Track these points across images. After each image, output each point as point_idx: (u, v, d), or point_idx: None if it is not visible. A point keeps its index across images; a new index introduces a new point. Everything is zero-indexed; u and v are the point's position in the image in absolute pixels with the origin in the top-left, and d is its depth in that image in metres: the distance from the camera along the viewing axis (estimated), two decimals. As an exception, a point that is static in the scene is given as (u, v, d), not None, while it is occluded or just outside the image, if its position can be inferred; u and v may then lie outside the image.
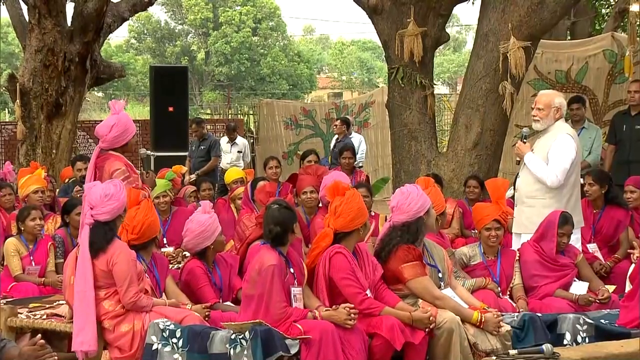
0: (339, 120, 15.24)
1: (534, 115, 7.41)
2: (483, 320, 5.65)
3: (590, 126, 10.54)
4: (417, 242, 5.89)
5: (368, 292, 5.62)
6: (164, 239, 8.65)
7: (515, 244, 7.14)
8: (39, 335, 3.86)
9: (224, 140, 14.84)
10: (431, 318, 5.47)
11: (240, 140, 15.44)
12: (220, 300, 6.34)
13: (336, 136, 15.09)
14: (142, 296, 5.72)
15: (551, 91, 8.00)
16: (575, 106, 10.44)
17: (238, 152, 15.05)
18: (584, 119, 10.55)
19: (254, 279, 5.51)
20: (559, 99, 7.37)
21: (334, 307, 5.47)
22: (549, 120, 7.30)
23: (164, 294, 6.13)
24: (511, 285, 6.69)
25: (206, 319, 5.83)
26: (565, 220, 6.79)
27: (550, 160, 7.16)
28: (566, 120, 8.74)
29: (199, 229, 6.36)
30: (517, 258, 6.77)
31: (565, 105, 7.43)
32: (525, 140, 7.44)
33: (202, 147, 13.65)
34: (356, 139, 15.22)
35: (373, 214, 8.39)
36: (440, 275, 6.00)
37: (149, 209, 6.15)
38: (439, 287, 5.89)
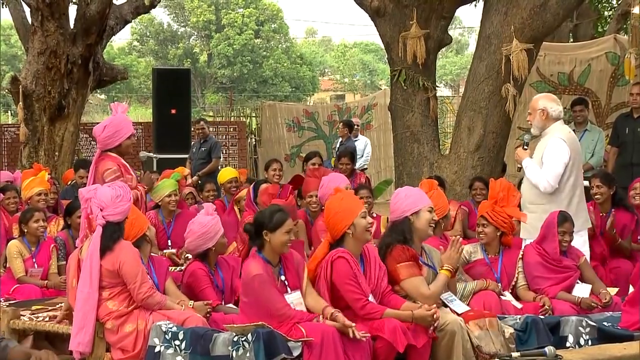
0: (341, 123, 15.30)
1: (528, 120, 7.49)
2: (445, 265, 5.78)
3: (592, 128, 10.55)
4: (409, 242, 5.88)
5: (370, 297, 5.61)
6: (168, 241, 8.67)
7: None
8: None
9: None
10: (435, 316, 5.43)
11: None
12: (223, 302, 6.34)
13: (339, 139, 15.12)
14: (156, 292, 5.75)
15: (540, 94, 7.95)
16: (579, 108, 10.46)
17: None
18: (586, 120, 10.56)
19: (246, 290, 5.55)
20: (543, 101, 7.32)
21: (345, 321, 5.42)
22: (537, 123, 7.29)
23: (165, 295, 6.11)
24: (513, 284, 6.69)
25: (207, 315, 5.83)
26: (564, 218, 6.79)
27: (543, 166, 7.15)
28: (568, 122, 8.73)
29: (201, 231, 6.37)
30: (520, 257, 6.77)
31: (553, 106, 7.28)
32: (526, 147, 7.45)
33: (203, 149, 13.65)
34: (362, 141, 15.28)
35: (375, 215, 8.39)
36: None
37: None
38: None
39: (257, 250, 5.64)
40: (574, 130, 10.27)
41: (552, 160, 7.10)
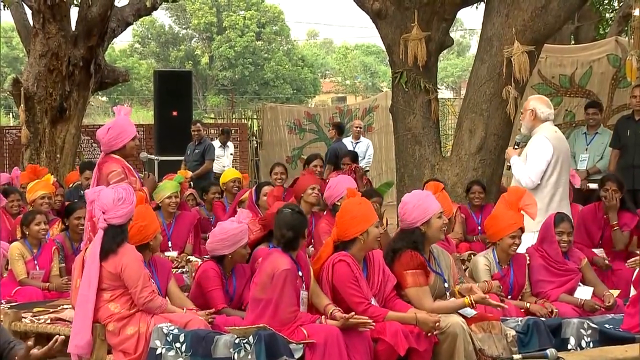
0: (331, 125, 15.45)
1: (520, 120, 7.78)
2: (473, 300, 5.66)
3: (604, 131, 10.58)
4: (420, 250, 5.88)
5: (373, 301, 5.60)
6: (169, 242, 8.66)
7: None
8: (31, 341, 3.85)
9: (216, 145, 14.80)
10: (437, 324, 5.43)
11: (229, 144, 15.50)
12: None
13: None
14: (157, 296, 5.75)
15: (533, 96, 8.13)
16: (592, 111, 10.59)
17: (230, 154, 15.11)
18: (599, 123, 10.64)
19: (265, 283, 5.48)
20: (534, 102, 7.58)
21: (340, 316, 5.44)
22: (526, 122, 7.57)
23: (167, 298, 6.10)
24: (523, 291, 6.69)
25: (210, 323, 5.82)
26: (560, 219, 6.83)
27: (526, 162, 7.37)
28: (575, 126, 8.72)
29: (221, 236, 6.27)
30: (527, 263, 6.75)
31: (542, 108, 7.52)
32: (517, 147, 7.68)
33: (197, 151, 13.65)
34: (364, 143, 15.32)
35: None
36: (446, 284, 5.96)
37: (141, 214, 6.11)
38: (444, 296, 5.88)
39: (285, 250, 5.62)
40: (585, 133, 10.40)
41: (534, 157, 7.34)
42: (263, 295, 5.48)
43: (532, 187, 7.25)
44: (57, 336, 3.93)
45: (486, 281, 6.47)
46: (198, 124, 14.15)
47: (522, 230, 6.61)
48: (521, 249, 6.88)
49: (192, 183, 12.29)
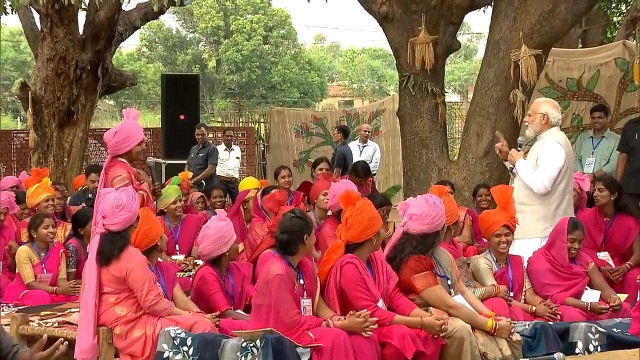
0: (336, 129, 15.45)
1: (525, 122, 7.61)
2: (497, 327, 5.63)
3: (610, 135, 10.56)
4: (428, 253, 5.87)
5: (380, 302, 5.60)
6: (176, 246, 8.67)
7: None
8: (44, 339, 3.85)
9: (221, 148, 14.78)
10: (443, 326, 5.43)
11: (235, 147, 15.50)
12: (232, 308, 6.32)
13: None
14: (163, 299, 5.75)
15: (543, 99, 8.07)
16: (597, 114, 10.55)
17: (236, 157, 15.09)
18: (605, 127, 10.60)
19: (262, 289, 5.49)
20: (545, 106, 7.45)
21: (349, 313, 5.43)
22: (535, 126, 7.42)
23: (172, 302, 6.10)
24: (525, 290, 6.68)
25: (216, 325, 5.81)
26: (574, 225, 6.78)
27: (538, 167, 7.26)
28: (582, 129, 8.69)
29: (217, 235, 6.29)
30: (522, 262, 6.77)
31: (554, 113, 7.43)
32: (519, 149, 7.57)
33: (201, 155, 13.62)
34: (371, 147, 15.33)
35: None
36: (449, 282, 5.98)
37: (145, 217, 6.11)
38: (449, 295, 5.87)
39: (281, 255, 5.61)
40: (592, 137, 10.39)
41: (548, 163, 7.23)
42: (262, 301, 5.49)
43: (544, 192, 7.19)
44: (61, 338, 3.93)
45: (494, 285, 6.47)
46: (202, 128, 14.12)
47: (508, 228, 6.64)
48: (525, 254, 6.88)
49: (203, 183, 12.29)
